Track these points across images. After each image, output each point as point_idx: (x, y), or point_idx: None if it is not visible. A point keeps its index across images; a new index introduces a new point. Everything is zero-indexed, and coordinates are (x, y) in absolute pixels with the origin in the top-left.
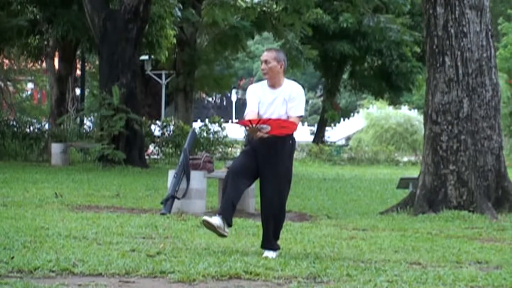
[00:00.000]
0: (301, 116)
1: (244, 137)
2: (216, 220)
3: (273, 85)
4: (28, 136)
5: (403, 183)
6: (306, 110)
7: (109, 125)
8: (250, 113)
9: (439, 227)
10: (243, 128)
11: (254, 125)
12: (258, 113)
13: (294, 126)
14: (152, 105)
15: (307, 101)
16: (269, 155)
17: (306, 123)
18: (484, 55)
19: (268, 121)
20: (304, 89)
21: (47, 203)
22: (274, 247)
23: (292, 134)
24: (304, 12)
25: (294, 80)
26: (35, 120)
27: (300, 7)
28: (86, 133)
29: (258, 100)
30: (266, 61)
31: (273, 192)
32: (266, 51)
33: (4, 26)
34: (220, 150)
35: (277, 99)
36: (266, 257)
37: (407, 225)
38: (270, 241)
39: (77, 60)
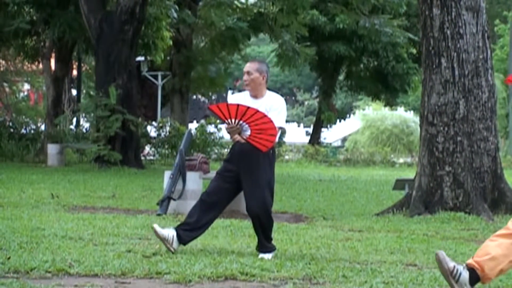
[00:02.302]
0: (281, 128)
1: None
2: (164, 232)
3: (255, 95)
4: (24, 137)
5: (399, 184)
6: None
7: (105, 126)
8: None
9: (435, 228)
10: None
11: (234, 121)
12: None
13: (273, 137)
14: (148, 106)
15: (303, 102)
16: (250, 166)
17: (302, 124)
18: (481, 56)
19: (248, 110)
20: (300, 90)
21: (43, 204)
22: (269, 249)
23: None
24: (300, 13)
25: (289, 82)
26: (31, 121)
27: (297, 7)
28: (82, 134)
29: None
30: (248, 72)
31: (257, 202)
32: (249, 62)
33: (1, 28)
34: (216, 151)
35: (262, 110)
36: (262, 258)
37: (403, 226)
38: (263, 244)
39: (74, 61)
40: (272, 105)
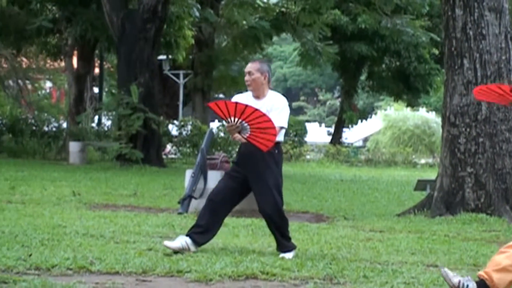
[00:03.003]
0: (282, 127)
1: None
2: (177, 244)
3: (258, 96)
4: (46, 135)
5: (421, 185)
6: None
7: (127, 124)
8: None
9: (457, 229)
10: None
11: (234, 119)
12: None
13: (273, 136)
14: (169, 104)
15: (324, 102)
16: (256, 167)
17: (323, 124)
18: (503, 57)
19: (246, 108)
20: (322, 90)
21: (65, 202)
22: (289, 248)
23: (278, 144)
24: (323, 12)
25: (311, 82)
26: (53, 119)
27: (320, 7)
28: (104, 132)
29: None
30: (249, 73)
31: (267, 204)
32: (250, 62)
33: (24, 25)
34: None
35: (261, 110)
36: (283, 258)
37: (424, 227)
38: (282, 244)
39: (96, 59)
40: (273, 105)
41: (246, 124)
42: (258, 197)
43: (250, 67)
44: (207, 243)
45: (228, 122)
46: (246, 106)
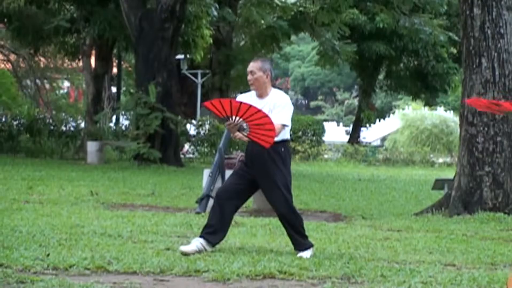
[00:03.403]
0: (284, 125)
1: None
2: (192, 247)
3: (261, 95)
4: (64, 134)
5: (438, 184)
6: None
7: (145, 123)
8: None
9: (474, 228)
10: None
11: (232, 118)
12: None
13: (271, 131)
14: (187, 104)
15: (342, 101)
16: (263, 167)
17: (341, 124)
18: None
19: (241, 105)
20: (340, 89)
21: (82, 201)
22: (306, 246)
23: (284, 142)
24: (342, 11)
25: (329, 81)
26: (71, 118)
27: (339, 5)
28: (121, 131)
29: None
30: (251, 72)
31: (278, 204)
32: (252, 61)
33: (42, 25)
34: None
35: (264, 109)
36: (301, 257)
37: (442, 226)
38: (299, 242)
39: (114, 59)
40: (276, 103)
41: (244, 123)
42: (268, 197)
43: (252, 66)
44: (224, 242)
45: (227, 121)
46: (241, 103)
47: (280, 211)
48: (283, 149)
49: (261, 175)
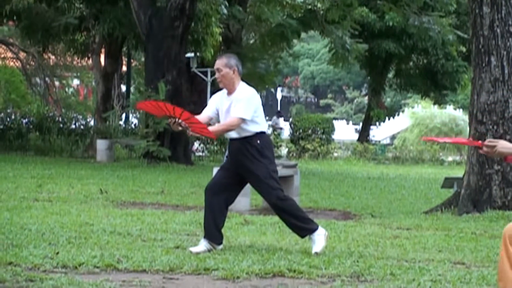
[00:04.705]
0: (241, 118)
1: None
2: (202, 247)
3: (229, 91)
4: (73, 132)
5: (448, 182)
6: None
7: (154, 122)
8: (201, 115)
9: (484, 227)
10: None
11: (177, 119)
12: (214, 119)
13: (204, 130)
14: (197, 102)
15: (352, 100)
16: (243, 164)
17: (351, 122)
18: None
19: (182, 115)
20: (349, 87)
21: (92, 199)
22: (309, 229)
23: (259, 134)
24: (354, 6)
25: (338, 79)
26: (80, 116)
27: (351, 2)
28: (131, 129)
29: (215, 107)
30: (218, 69)
31: (267, 195)
32: (217, 59)
33: (51, 23)
34: None
35: (231, 105)
36: (316, 253)
37: (451, 224)
38: (300, 227)
39: (123, 57)
40: (237, 97)
41: (182, 122)
42: (257, 190)
43: (217, 63)
44: (234, 240)
45: (168, 119)
46: (174, 107)
47: (269, 201)
48: (258, 141)
49: (243, 170)
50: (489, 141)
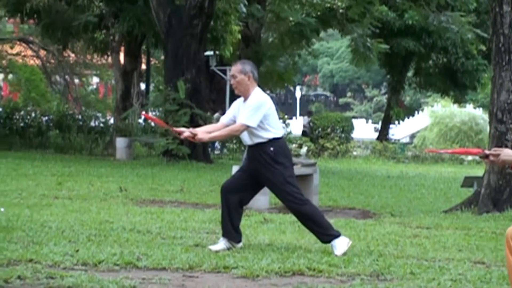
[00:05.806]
0: (245, 125)
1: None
2: (221, 246)
3: (245, 98)
4: (93, 130)
5: (468, 181)
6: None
7: (174, 120)
8: (217, 123)
9: (504, 226)
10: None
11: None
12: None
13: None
14: (216, 100)
15: (371, 98)
16: (259, 171)
17: (370, 121)
18: None
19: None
20: (368, 86)
21: (111, 197)
22: (331, 236)
23: (272, 141)
24: (375, 3)
25: (357, 78)
26: (100, 114)
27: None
28: (150, 128)
29: (232, 114)
30: (233, 76)
31: (286, 201)
32: (233, 65)
33: (71, 21)
34: None
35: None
36: (333, 255)
37: (471, 224)
38: (322, 234)
39: (142, 55)
40: (247, 103)
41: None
42: (276, 196)
43: (233, 70)
44: (253, 239)
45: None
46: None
47: (289, 207)
48: (272, 148)
49: (259, 176)
50: (494, 150)
